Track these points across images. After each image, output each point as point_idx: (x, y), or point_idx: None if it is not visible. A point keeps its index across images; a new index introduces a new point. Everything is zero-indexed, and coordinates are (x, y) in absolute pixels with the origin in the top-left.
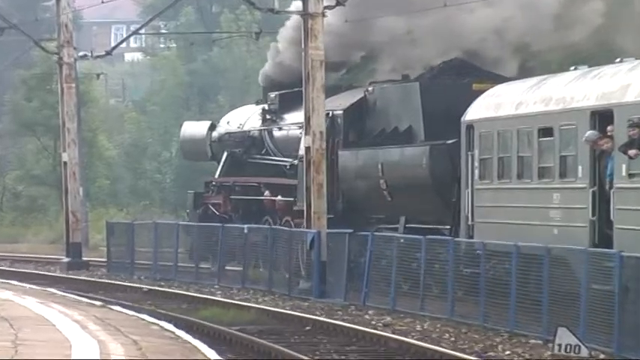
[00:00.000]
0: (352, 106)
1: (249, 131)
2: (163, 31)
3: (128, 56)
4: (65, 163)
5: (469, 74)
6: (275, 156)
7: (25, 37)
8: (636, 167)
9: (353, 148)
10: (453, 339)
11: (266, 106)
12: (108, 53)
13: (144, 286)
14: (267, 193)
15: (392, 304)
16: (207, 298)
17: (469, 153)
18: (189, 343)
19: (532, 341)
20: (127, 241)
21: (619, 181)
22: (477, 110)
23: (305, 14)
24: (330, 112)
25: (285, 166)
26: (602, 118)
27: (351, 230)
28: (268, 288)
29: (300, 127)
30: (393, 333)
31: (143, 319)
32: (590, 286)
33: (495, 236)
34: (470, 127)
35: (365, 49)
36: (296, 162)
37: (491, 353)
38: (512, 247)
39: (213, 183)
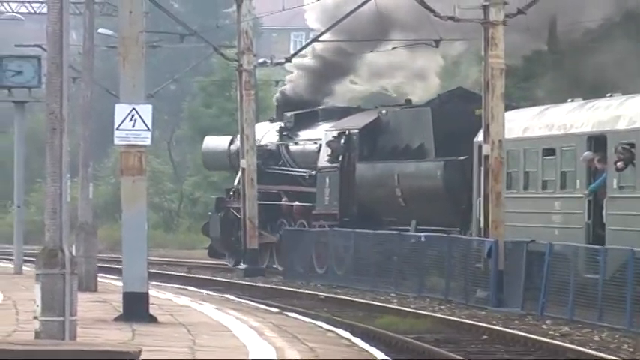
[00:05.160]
0: (367, 126)
1: (266, 145)
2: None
3: None
4: (243, 169)
5: (471, 101)
6: (292, 167)
7: (204, 43)
8: (624, 181)
9: (370, 161)
10: (631, 349)
11: (282, 124)
12: (287, 60)
13: (320, 294)
14: (285, 199)
15: (570, 314)
16: (383, 306)
17: (480, 168)
18: (366, 350)
19: None
20: (304, 249)
21: (611, 192)
22: None
23: (485, 22)
24: (347, 131)
25: (304, 176)
26: (596, 142)
27: (528, 239)
28: (445, 297)
29: (315, 143)
30: (571, 343)
31: (320, 327)
32: None
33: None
34: (481, 146)
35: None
36: (314, 173)
37: None
38: None
39: (233, 190)
